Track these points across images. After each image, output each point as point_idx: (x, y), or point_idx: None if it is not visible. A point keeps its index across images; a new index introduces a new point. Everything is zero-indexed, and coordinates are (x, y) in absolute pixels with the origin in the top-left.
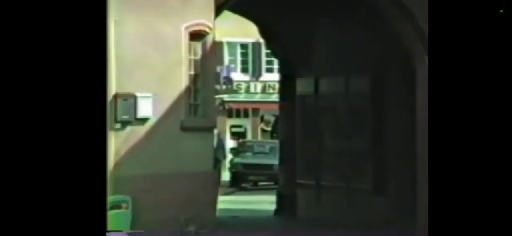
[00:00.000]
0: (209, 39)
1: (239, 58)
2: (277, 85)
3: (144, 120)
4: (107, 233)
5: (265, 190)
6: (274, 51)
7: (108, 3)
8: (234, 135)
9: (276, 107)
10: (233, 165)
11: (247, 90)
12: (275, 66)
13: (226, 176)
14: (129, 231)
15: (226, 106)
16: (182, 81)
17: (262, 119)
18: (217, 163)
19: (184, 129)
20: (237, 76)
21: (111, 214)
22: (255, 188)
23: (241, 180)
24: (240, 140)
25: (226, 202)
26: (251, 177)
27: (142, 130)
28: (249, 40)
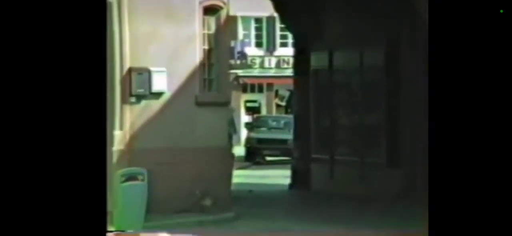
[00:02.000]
0: (223, 13)
1: (253, 33)
2: (291, 60)
3: (158, 94)
4: (107, 233)
5: (279, 164)
6: (289, 25)
7: None
8: (249, 110)
9: (290, 82)
10: (247, 140)
11: (261, 65)
12: (290, 40)
13: (239, 151)
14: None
15: (241, 81)
16: (196, 56)
17: (276, 94)
18: (229, 138)
19: (198, 104)
20: (251, 50)
21: (127, 186)
22: (267, 163)
23: (256, 155)
24: (255, 115)
25: (241, 177)
26: (264, 152)
27: (156, 104)
28: (263, 14)
